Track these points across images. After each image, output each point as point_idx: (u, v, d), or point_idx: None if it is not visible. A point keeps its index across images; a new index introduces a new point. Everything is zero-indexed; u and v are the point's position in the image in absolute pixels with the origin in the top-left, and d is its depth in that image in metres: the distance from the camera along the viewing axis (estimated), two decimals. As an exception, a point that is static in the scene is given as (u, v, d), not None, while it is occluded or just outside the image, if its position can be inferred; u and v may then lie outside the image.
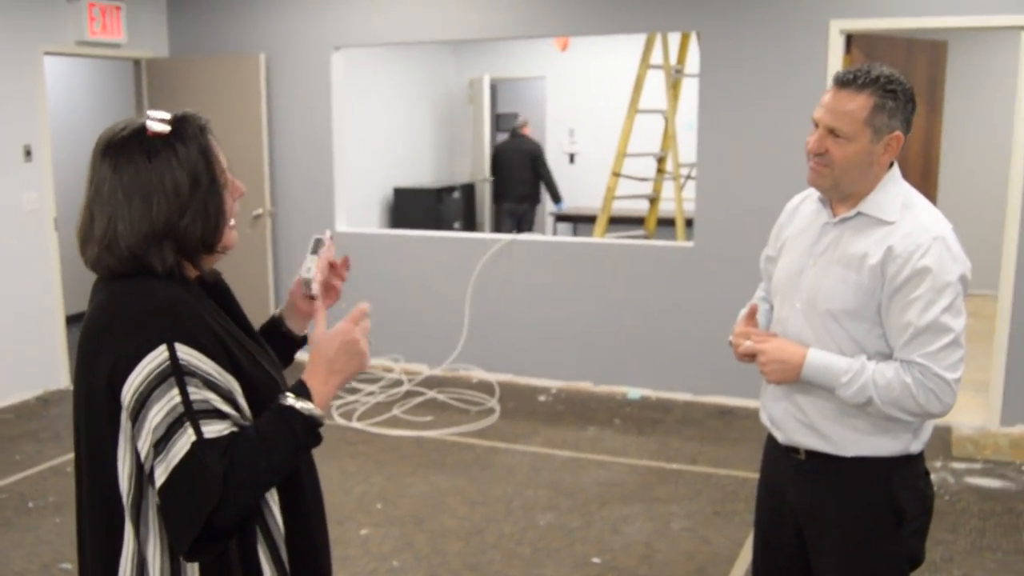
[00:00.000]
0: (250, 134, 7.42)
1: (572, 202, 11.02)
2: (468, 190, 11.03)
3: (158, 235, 1.71)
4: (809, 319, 2.41)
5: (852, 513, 2.42)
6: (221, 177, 1.79)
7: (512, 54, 11.29)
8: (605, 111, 10.45)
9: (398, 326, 7.32)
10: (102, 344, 1.67)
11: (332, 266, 2.09)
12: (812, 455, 2.45)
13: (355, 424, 6.13)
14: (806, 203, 2.61)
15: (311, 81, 7.37)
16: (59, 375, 6.96)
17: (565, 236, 9.97)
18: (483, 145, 11.01)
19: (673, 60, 7.98)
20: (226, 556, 1.73)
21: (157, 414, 1.60)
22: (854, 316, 2.34)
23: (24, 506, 4.92)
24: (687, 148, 7.52)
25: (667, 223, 8.61)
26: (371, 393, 6.73)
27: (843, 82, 2.32)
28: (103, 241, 1.72)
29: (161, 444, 1.60)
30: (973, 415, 5.88)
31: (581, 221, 10.44)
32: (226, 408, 1.66)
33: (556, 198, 10.47)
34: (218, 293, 1.93)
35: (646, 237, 8.50)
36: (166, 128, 1.73)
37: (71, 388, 6.51)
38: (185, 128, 1.76)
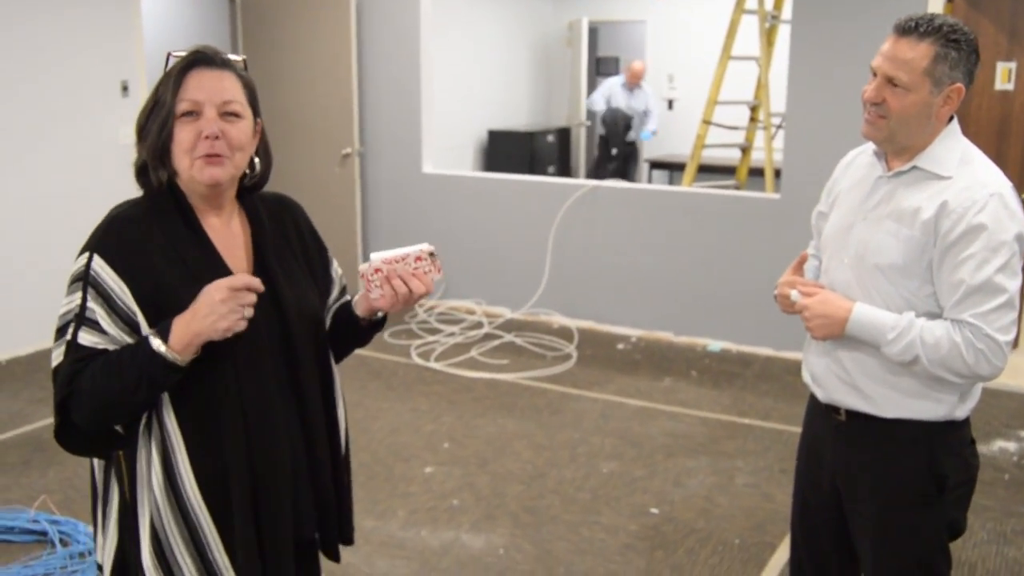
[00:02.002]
0: (340, 73, 7.47)
1: (671, 149, 10.87)
2: (564, 134, 10.96)
3: (139, 138, 1.93)
4: (858, 275, 2.35)
5: (890, 478, 2.37)
6: (175, 107, 1.86)
7: (613, -3, 11.13)
8: (705, 57, 10.22)
9: (481, 269, 7.36)
10: None
11: (401, 276, 1.97)
12: (852, 415, 2.40)
13: (432, 364, 6.21)
14: (860, 158, 2.54)
15: (401, 19, 7.38)
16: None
17: (656, 184, 9.86)
18: (580, 89, 10.90)
19: (769, 6, 7.76)
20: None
21: (62, 308, 1.84)
22: (903, 272, 2.26)
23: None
24: (782, 97, 7.34)
25: (758, 173, 8.43)
26: (451, 334, 6.80)
27: (904, 30, 2.23)
28: (138, 153, 1.96)
29: (57, 334, 1.84)
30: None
31: (677, 168, 10.30)
32: (109, 326, 1.81)
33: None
34: (256, 229, 2.02)
35: (737, 187, 8.36)
36: (176, 55, 1.92)
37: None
38: (170, 60, 1.92)
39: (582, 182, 7.24)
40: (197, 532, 1.85)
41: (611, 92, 10.62)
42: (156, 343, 1.76)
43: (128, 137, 6.91)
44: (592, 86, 11.53)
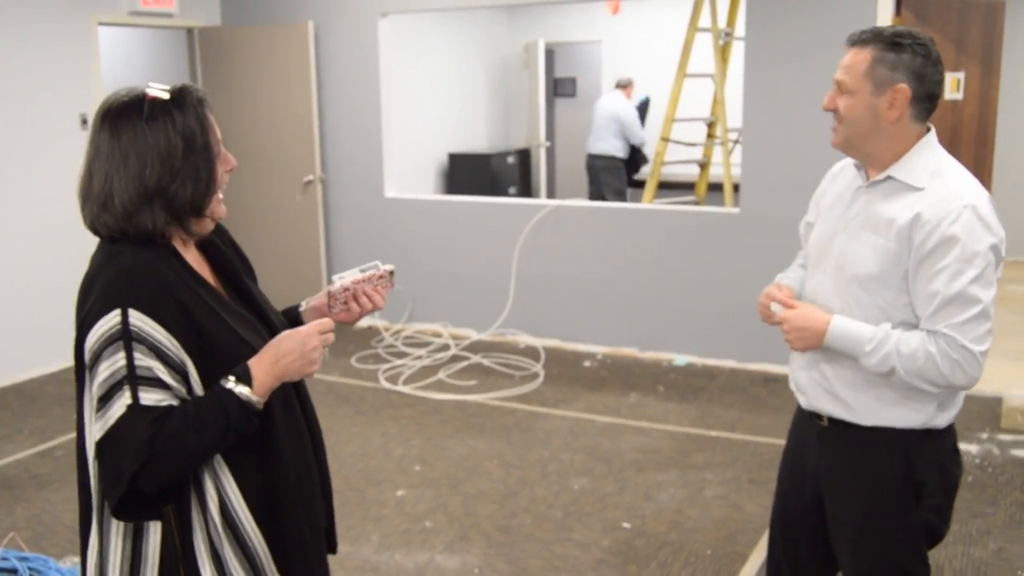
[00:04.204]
0: (300, 101, 7.50)
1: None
2: (524, 155, 11.01)
3: (150, 194, 1.80)
4: (837, 285, 2.40)
5: (869, 483, 2.41)
6: (215, 146, 1.88)
7: (567, 17, 11.22)
8: (661, 75, 10.34)
9: (446, 291, 7.38)
10: (80, 310, 1.80)
11: (362, 293, 2.17)
12: (834, 422, 2.44)
13: (400, 388, 6.21)
14: (846, 170, 2.57)
15: (359, 48, 7.43)
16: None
17: (614, 202, 9.93)
18: (538, 110, 10.96)
19: (723, 24, 7.88)
20: (169, 523, 1.82)
21: (103, 374, 1.70)
22: (880, 282, 2.30)
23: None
24: (738, 112, 7.44)
25: (718, 188, 8.53)
26: (418, 357, 6.81)
27: (852, 41, 2.32)
28: (100, 198, 1.81)
29: (102, 403, 1.70)
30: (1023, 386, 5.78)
31: (637, 186, 10.37)
32: (169, 379, 1.73)
33: None
34: (218, 257, 2.02)
35: (696, 202, 8.44)
36: (165, 95, 1.84)
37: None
38: (184, 97, 1.85)
39: (544, 202, 7.30)
40: (250, 550, 1.88)
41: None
42: (243, 391, 1.77)
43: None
44: (550, 107, 11.60)
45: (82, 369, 1.80)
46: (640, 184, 10.39)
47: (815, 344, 2.35)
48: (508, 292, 7.13)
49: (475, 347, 7.04)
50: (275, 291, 8.83)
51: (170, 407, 1.72)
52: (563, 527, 4.30)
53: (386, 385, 6.29)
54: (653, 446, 5.21)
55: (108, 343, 1.71)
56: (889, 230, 2.28)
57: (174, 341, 1.75)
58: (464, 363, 6.71)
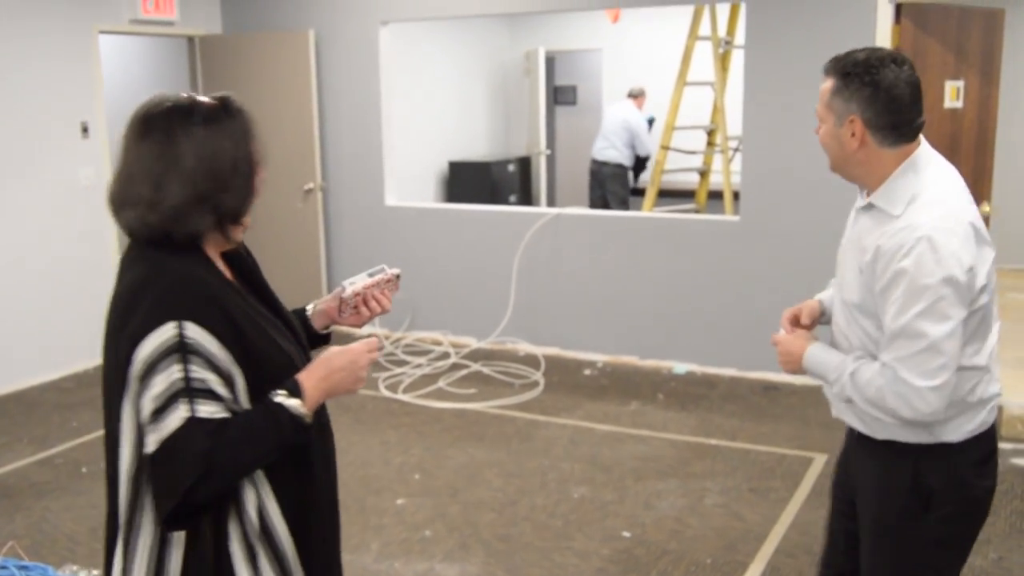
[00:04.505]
0: (300, 109, 7.51)
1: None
2: (524, 163, 11.02)
3: (201, 197, 1.81)
4: (840, 307, 2.44)
5: (880, 491, 2.44)
6: (257, 154, 1.94)
7: (568, 26, 11.23)
8: (661, 83, 10.35)
9: (446, 299, 7.38)
10: (124, 319, 1.76)
11: (371, 297, 2.24)
12: (858, 432, 2.48)
13: (400, 396, 6.21)
14: None
15: (360, 56, 7.44)
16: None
17: (619, 209, 9.93)
18: (539, 118, 10.98)
19: (723, 32, 7.89)
20: (200, 533, 1.82)
21: (158, 386, 1.69)
22: (861, 310, 2.33)
23: (78, 471, 5.08)
24: (738, 120, 7.45)
25: (718, 196, 8.54)
26: (418, 366, 6.81)
27: (823, 69, 2.35)
28: (148, 200, 1.80)
29: (157, 415, 1.69)
30: None
31: (638, 194, 10.38)
32: (222, 391, 1.74)
33: None
34: (242, 266, 2.04)
35: (696, 210, 8.45)
36: (215, 102, 1.88)
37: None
38: (231, 105, 1.90)
39: (544, 210, 7.31)
40: (283, 559, 1.89)
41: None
42: (295, 405, 1.80)
43: (88, 179, 6.91)
44: (551, 115, 11.62)
45: (118, 381, 1.76)
46: (640, 192, 10.41)
47: (798, 368, 2.44)
48: (508, 300, 7.13)
49: (475, 355, 7.04)
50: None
51: (224, 419, 1.73)
52: (563, 536, 4.29)
53: (386, 393, 6.29)
54: (653, 455, 5.21)
55: (164, 355, 1.70)
56: (864, 259, 2.30)
57: (225, 352, 1.76)
58: (464, 371, 6.70)
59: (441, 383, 6.46)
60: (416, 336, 7.49)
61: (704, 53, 8.03)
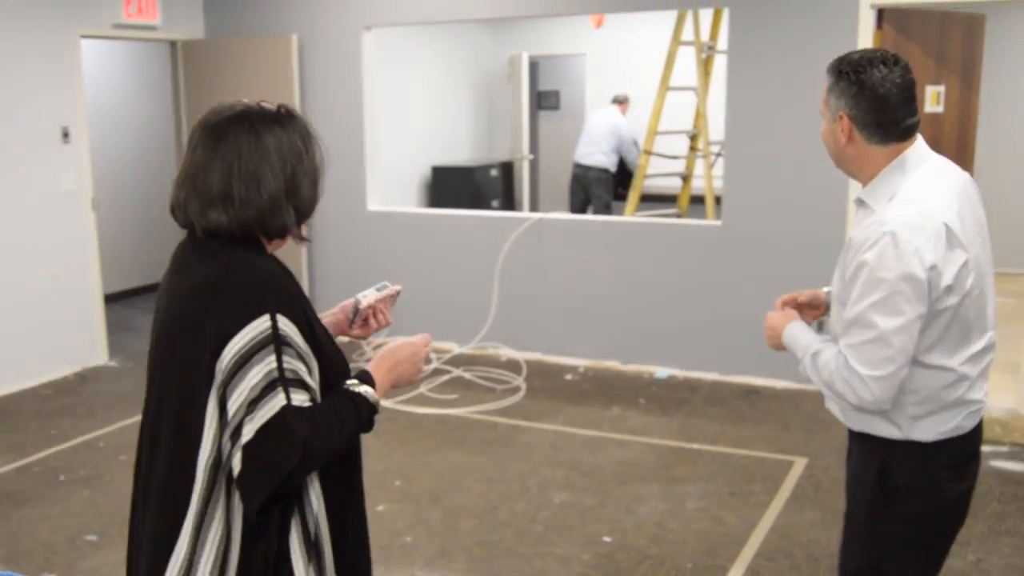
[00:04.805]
0: (283, 114, 7.49)
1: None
2: (507, 168, 11.02)
3: (288, 193, 1.91)
4: (833, 303, 2.51)
5: (853, 483, 2.54)
6: (320, 157, 2.02)
7: (551, 31, 11.24)
8: (644, 88, 10.37)
9: (428, 304, 7.37)
10: (209, 312, 1.80)
11: (379, 311, 2.36)
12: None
13: (381, 401, 6.18)
14: None
15: (343, 61, 7.43)
16: (97, 352, 7.13)
17: (603, 214, 9.95)
18: (522, 122, 10.98)
19: (705, 37, 7.91)
20: (267, 526, 1.86)
21: (254, 377, 1.75)
22: (839, 299, 2.39)
23: (55, 479, 5.05)
24: (721, 125, 7.47)
25: (700, 201, 8.56)
26: (400, 371, 6.78)
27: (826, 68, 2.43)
28: (243, 198, 1.87)
29: (253, 404, 1.75)
30: (1003, 397, 5.79)
31: (620, 199, 10.40)
32: (310, 381, 1.83)
33: None
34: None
35: (679, 215, 8.47)
36: (281, 107, 1.97)
37: (109, 364, 6.55)
38: (292, 109, 2.00)
39: (526, 215, 7.31)
40: (324, 551, 1.94)
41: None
42: (371, 393, 1.93)
43: (69, 183, 6.88)
44: (534, 119, 11.62)
45: (196, 372, 1.80)
46: (622, 197, 10.44)
47: (778, 344, 2.54)
48: (490, 305, 7.12)
49: (457, 360, 7.03)
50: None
51: (314, 407, 1.80)
52: (544, 541, 4.29)
53: (368, 398, 6.26)
54: (634, 459, 5.21)
55: (260, 347, 1.77)
56: (841, 252, 2.41)
57: (306, 345, 1.85)
58: (446, 376, 6.70)
59: (423, 388, 6.45)
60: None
61: (687, 58, 8.06)
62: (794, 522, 4.43)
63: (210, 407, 1.79)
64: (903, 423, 2.36)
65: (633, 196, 7.90)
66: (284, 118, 1.94)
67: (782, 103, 6.14)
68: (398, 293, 2.37)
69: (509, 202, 10.97)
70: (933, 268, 2.20)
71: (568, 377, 6.69)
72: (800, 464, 5.08)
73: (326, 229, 7.69)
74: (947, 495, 2.42)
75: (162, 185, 9.45)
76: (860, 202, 2.41)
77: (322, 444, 1.78)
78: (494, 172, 10.56)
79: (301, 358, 1.81)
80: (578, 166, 9.98)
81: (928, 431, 2.36)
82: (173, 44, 7.79)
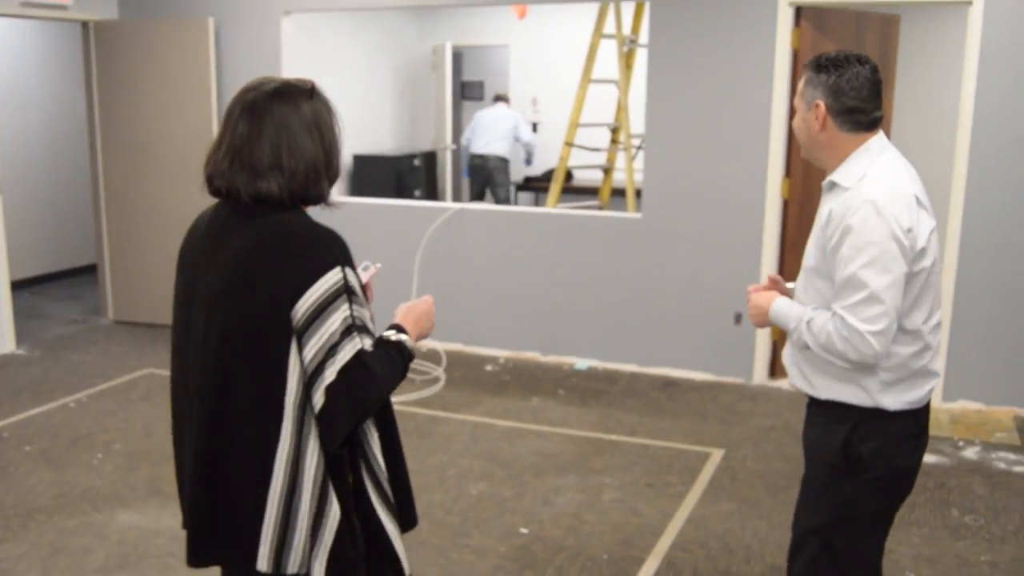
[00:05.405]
0: (199, 99, 7.34)
1: (535, 171, 10.99)
2: (430, 158, 10.96)
3: (325, 162, 2.11)
4: (801, 276, 2.72)
5: (814, 448, 2.72)
6: (339, 131, 2.18)
7: (475, 21, 11.19)
8: (567, 80, 10.37)
9: (348, 294, 7.27)
10: (281, 265, 1.98)
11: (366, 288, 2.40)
12: (809, 396, 2.74)
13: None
14: None
15: (261, 46, 7.29)
16: (4, 340, 6.91)
17: (522, 205, 9.96)
18: (445, 112, 10.93)
19: (627, 30, 7.94)
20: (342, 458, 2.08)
21: (333, 324, 1.94)
22: (817, 272, 2.59)
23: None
24: (642, 119, 7.50)
25: (622, 194, 8.60)
26: (318, 361, 6.69)
27: (804, 67, 2.69)
28: (288, 167, 2.04)
29: (333, 349, 1.93)
30: (913, 389, 5.91)
31: (542, 190, 10.42)
32: (372, 327, 2.05)
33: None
34: None
35: (600, 207, 8.49)
36: (308, 82, 2.14)
37: (16, 353, 6.35)
38: (316, 85, 2.15)
39: (447, 205, 7.25)
40: (385, 492, 2.19)
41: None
42: (409, 341, 2.15)
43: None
44: (457, 110, 11.58)
45: (272, 322, 1.96)
46: (530, 186, 10.64)
47: (765, 320, 2.73)
48: (410, 295, 7.06)
49: (377, 351, 6.95)
50: (171, 297, 8.51)
51: (377, 351, 2.02)
52: (460, 533, 4.26)
53: (284, 389, 6.16)
54: (553, 450, 5.20)
55: (335, 296, 1.96)
56: (820, 225, 2.59)
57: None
58: (365, 367, 6.61)
59: (341, 379, 6.36)
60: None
61: (609, 51, 8.07)
62: (710, 513, 4.47)
63: (292, 351, 1.95)
64: (873, 389, 2.56)
65: (555, 188, 7.89)
66: (315, 92, 2.11)
67: (702, 98, 6.17)
68: (378, 270, 2.45)
69: (432, 192, 10.92)
70: (909, 231, 2.45)
71: (488, 368, 6.66)
72: (717, 455, 5.12)
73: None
74: (903, 464, 2.65)
75: (74, 168, 9.21)
76: (831, 184, 2.60)
77: (387, 384, 2.01)
78: (417, 162, 10.50)
79: (364, 308, 2.03)
80: (477, 156, 10.45)
81: (895, 399, 2.58)
82: (85, 24, 7.56)
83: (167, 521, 4.31)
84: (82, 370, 6.56)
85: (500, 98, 10.65)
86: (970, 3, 5.55)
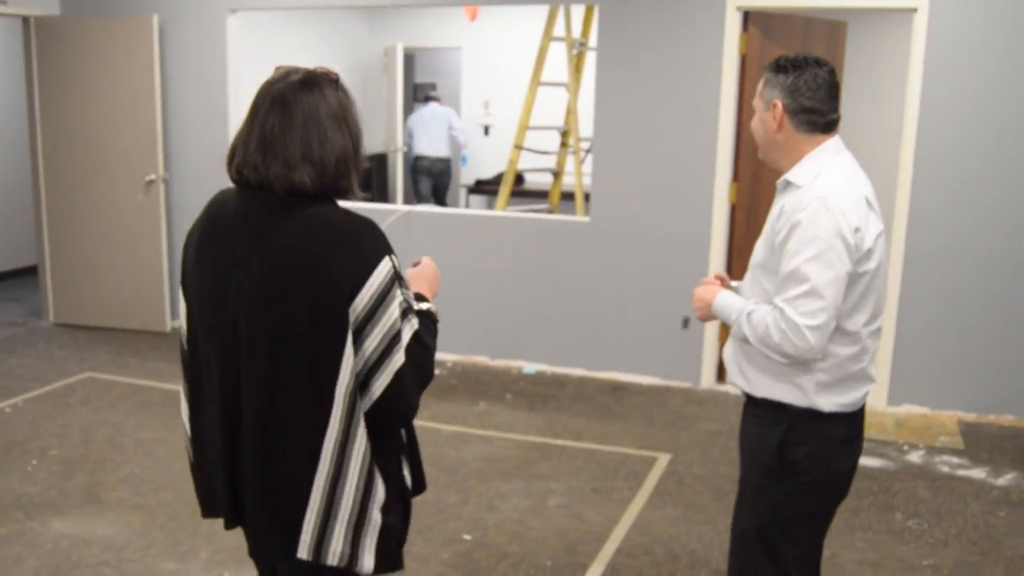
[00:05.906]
0: (143, 97, 7.21)
1: (487, 174, 10.95)
2: (380, 160, 10.89)
3: (353, 152, 2.10)
4: (748, 274, 2.74)
5: (752, 446, 2.74)
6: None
7: (427, 23, 11.14)
8: (518, 83, 10.34)
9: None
10: (330, 260, 1.97)
11: None
12: (745, 394, 2.75)
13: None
14: None
15: (206, 44, 7.18)
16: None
17: (472, 208, 9.91)
18: (396, 115, 10.86)
19: (577, 34, 7.92)
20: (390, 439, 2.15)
21: (392, 313, 2.00)
22: (764, 268, 2.61)
23: None
24: (590, 122, 7.48)
25: (571, 197, 8.58)
26: (263, 365, 6.59)
27: (763, 68, 2.70)
28: (319, 159, 2.03)
29: (397, 336, 2.00)
30: (858, 393, 5.94)
31: (492, 193, 10.38)
32: (415, 305, 2.13)
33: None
34: None
35: (550, 211, 8.47)
36: (331, 71, 2.15)
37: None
38: (339, 76, 2.16)
39: (396, 207, 7.19)
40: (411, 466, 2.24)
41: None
42: (434, 307, 2.24)
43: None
44: (408, 112, 11.50)
45: (326, 311, 1.96)
46: (482, 189, 10.69)
47: (708, 313, 2.74)
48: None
49: (323, 354, 6.86)
50: (115, 295, 8.35)
51: (423, 326, 2.10)
52: (403, 540, 4.19)
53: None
54: (498, 455, 5.16)
55: (391, 284, 2.00)
56: (769, 222, 2.62)
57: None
58: (311, 371, 6.53)
59: (286, 383, 6.27)
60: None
61: (559, 54, 8.05)
62: (655, 518, 4.44)
63: (348, 342, 1.96)
64: (809, 389, 2.58)
65: (504, 191, 7.86)
66: (338, 83, 2.11)
67: (650, 102, 6.17)
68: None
69: (383, 194, 10.85)
70: (857, 231, 2.46)
71: (436, 372, 6.58)
72: (664, 460, 5.10)
73: (188, 217, 7.38)
74: (838, 468, 2.66)
75: (14, 167, 9.02)
76: (786, 183, 2.61)
77: (434, 351, 2.11)
78: (367, 164, 10.41)
79: (407, 287, 2.12)
80: (425, 158, 10.73)
81: (830, 401, 2.59)
82: (26, 20, 7.40)
83: (102, 529, 4.21)
84: (19, 374, 6.40)
85: (431, 97, 10.92)
86: (915, 10, 5.60)
